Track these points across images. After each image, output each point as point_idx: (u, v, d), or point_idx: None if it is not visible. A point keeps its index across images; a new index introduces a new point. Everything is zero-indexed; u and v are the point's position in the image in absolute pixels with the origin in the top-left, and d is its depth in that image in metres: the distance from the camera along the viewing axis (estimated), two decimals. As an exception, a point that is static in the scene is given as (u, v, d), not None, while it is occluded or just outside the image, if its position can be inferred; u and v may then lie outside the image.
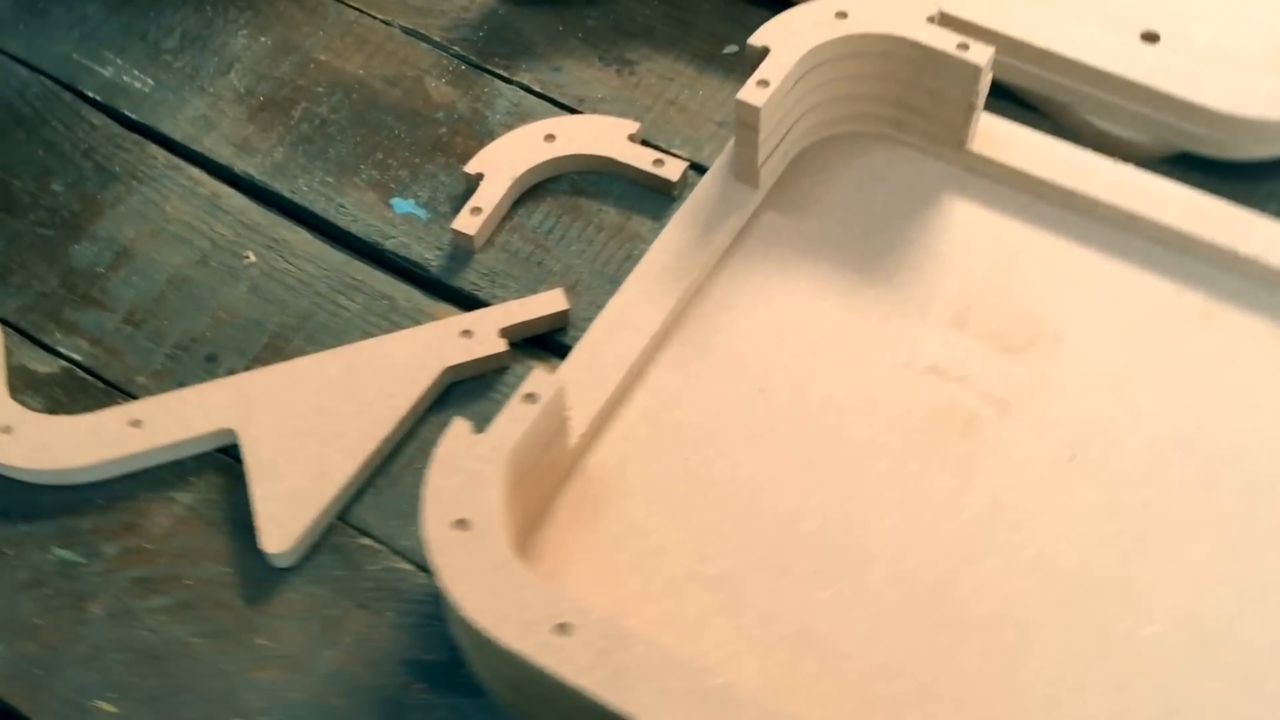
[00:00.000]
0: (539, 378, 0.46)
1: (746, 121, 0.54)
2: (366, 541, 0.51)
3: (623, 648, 0.41)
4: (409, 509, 0.51)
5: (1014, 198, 0.58)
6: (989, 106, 0.61)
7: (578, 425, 0.51)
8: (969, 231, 0.57)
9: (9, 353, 0.56)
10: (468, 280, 0.58)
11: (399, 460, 0.53)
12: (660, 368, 0.54)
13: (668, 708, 0.39)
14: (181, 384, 0.55)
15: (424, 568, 0.50)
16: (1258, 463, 0.51)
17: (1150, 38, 0.62)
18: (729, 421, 0.52)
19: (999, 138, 0.58)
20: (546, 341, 0.56)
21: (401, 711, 0.47)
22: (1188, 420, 0.52)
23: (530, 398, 0.46)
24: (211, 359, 0.56)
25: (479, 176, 0.60)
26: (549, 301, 0.56)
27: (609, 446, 0.52)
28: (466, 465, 0.44)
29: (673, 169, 0.60)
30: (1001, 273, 0.56)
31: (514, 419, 0.45)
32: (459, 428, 0.45)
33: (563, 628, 0.41)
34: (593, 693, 0.40)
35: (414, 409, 0.53)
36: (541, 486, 0.49)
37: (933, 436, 0.52)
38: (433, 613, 0.49)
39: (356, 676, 0.48)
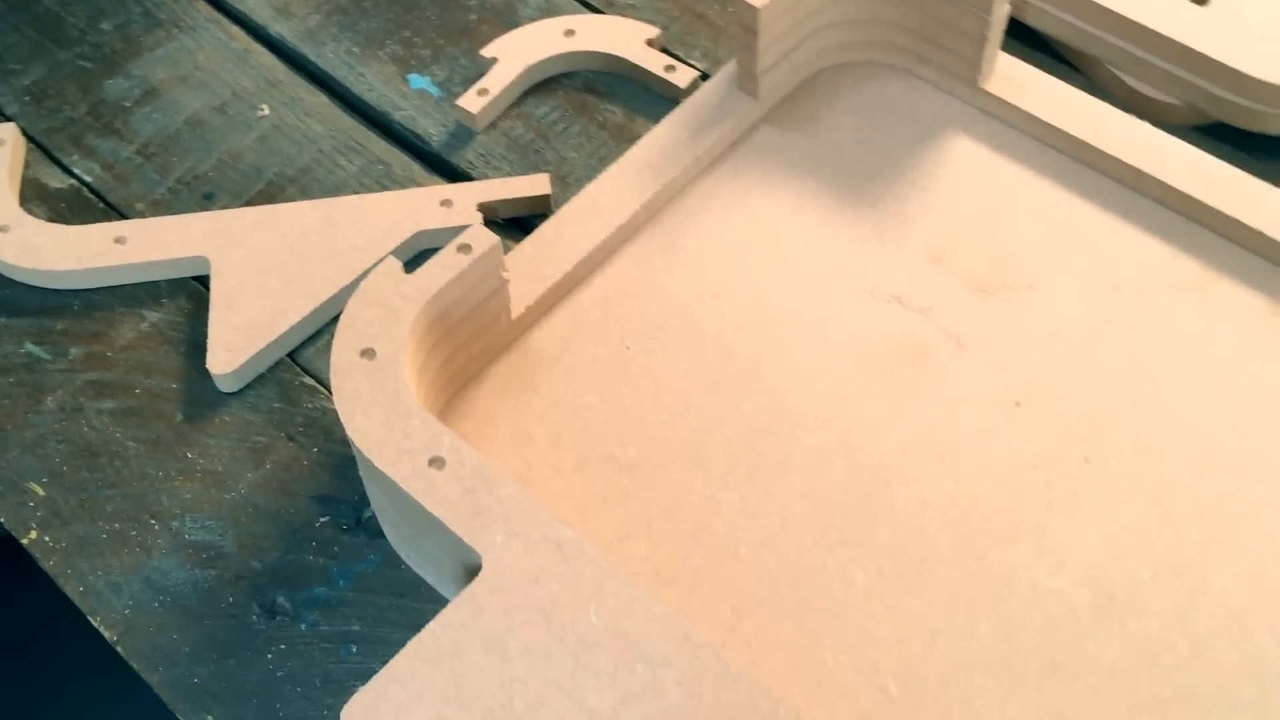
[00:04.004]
0: (476, 232, 0.47)
1: (746, 24, 0.53)
2: (309, 381, 0.52)
3: (489, 490, 0.41)
4: (357, 358, 0.53)
5: (1021, 142, 0.56)
6: (1019, 56, 0.59)
7: (525, 299, 0.51)
8: (967, 169, 0.56)
9: (27, 166, 0.59)
10: (464, 158, 0.59)
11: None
12: (623, 258, 0.54)
13: (517, 550, 0.40)
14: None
15: (357, 413, 0.51)
16: (1212, 440, 0.48)
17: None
18: (678, 320, 0.52)
19: (1016, 80, 0.57)
20: (526, 225, 0.57)
21: (303, 539, 0.48)
22: (1149, 386, 0.50)
23: (463, 249, 0.46)
24: (208, 197, 0.58)
25: (493, 60, 0.61)
26: (532, 184, 0.57)
27: (554, 326, 0.52)
28: (386, 300, 0.45)
29: (683, 76, 0.60)
30: (991, 214, 0.54)
31: (443, 266, 0.46)
32: (390, 266, 0.46)
33: (436, 461, 0.41)
34: (450, 525, 0.40)
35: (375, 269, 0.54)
36: (474, 348, 0.50)
37: (879, 363, 0.51)
38: (353, 456, 0.50)
39: (270, 501, 0.49)
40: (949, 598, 0.45)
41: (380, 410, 0.43)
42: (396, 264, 0.46)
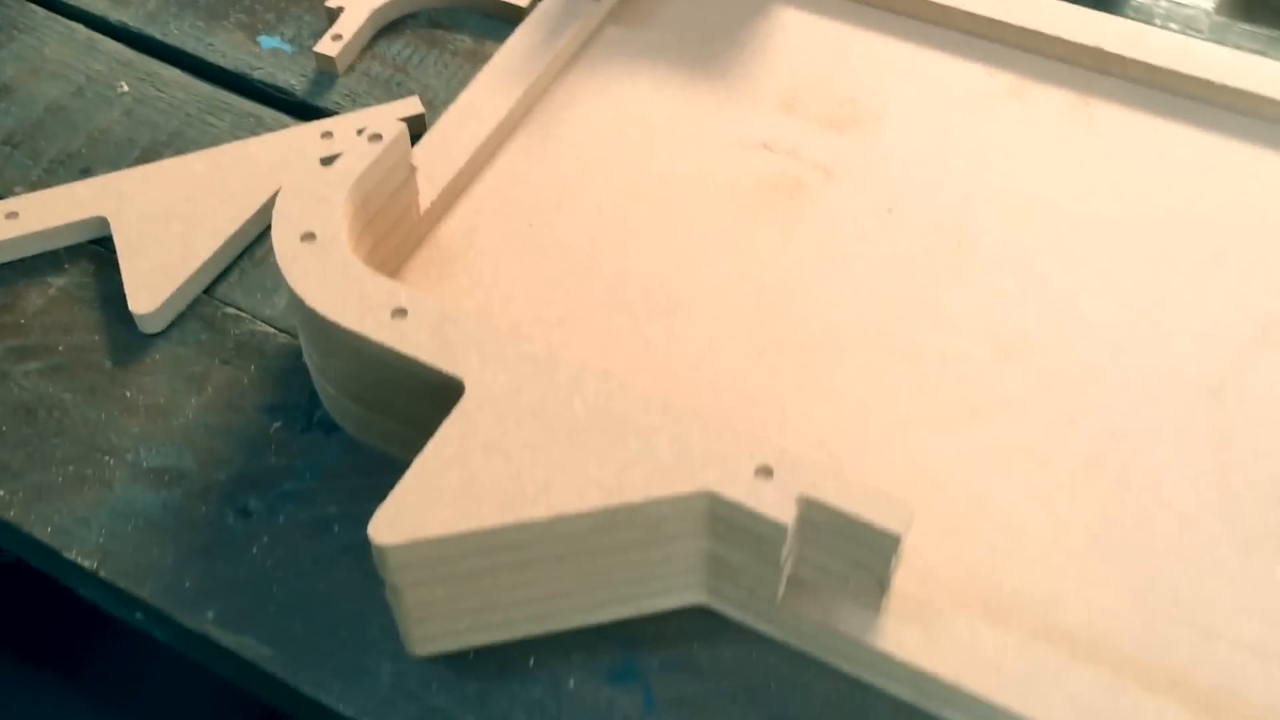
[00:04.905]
0: (383, 122, 0.50)
1: (582, -73, 0.58)
2: (232, 311, 0.54)
3: (455, 325, 0.44)
4: (273, 285, 0.55)
5: (837, 4, 0.63)
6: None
7: (427, 195, 0.54)
8: (798, 35, 0.62)
9: (-111, 171, 0.58)
10: (330, 100, 0.62)
11: (263, 245, 0.56)
12: (507, 154, 0.57)
13: (494, 370, 0.43)
14: (56, 191, 0.58)
15: (285, 330, 0.53)
16: (1057, 209, 0.55)
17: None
18: (571, 195, 0.56)
19: (823, -45, 0.63)
20: (406, 147, 0.60)
21: (261, 447, 0.50)
22: (997, 178, 0.56)
23: (374, 138, 0.49)
24: (86, 171, 0.59)
25: (339, 10, 0.63)
26: (406, 106, 0.60)
27: (458, 219, 0.55)
28: (313, 190, 0.47)
29: (523, -4, 0.64)
30: (827, 65, 0.61)
31: (359, 155, 0.49)
32: (309, 164, 0.48)
33: (400, 312, 0.44)
34: (427, 360, 0.43)
35: (275, 198, 0.56)
36: (391, 242, 0.52)
37: (761, 199, 0.56)
38: (293, 366, 0.52)
39: (219, 419, 0.50)
40: (869, 375, 0.50)
41: (333, 280, 0.45)
42: (313, 161, 0.48)
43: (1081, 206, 0.55)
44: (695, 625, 0.45)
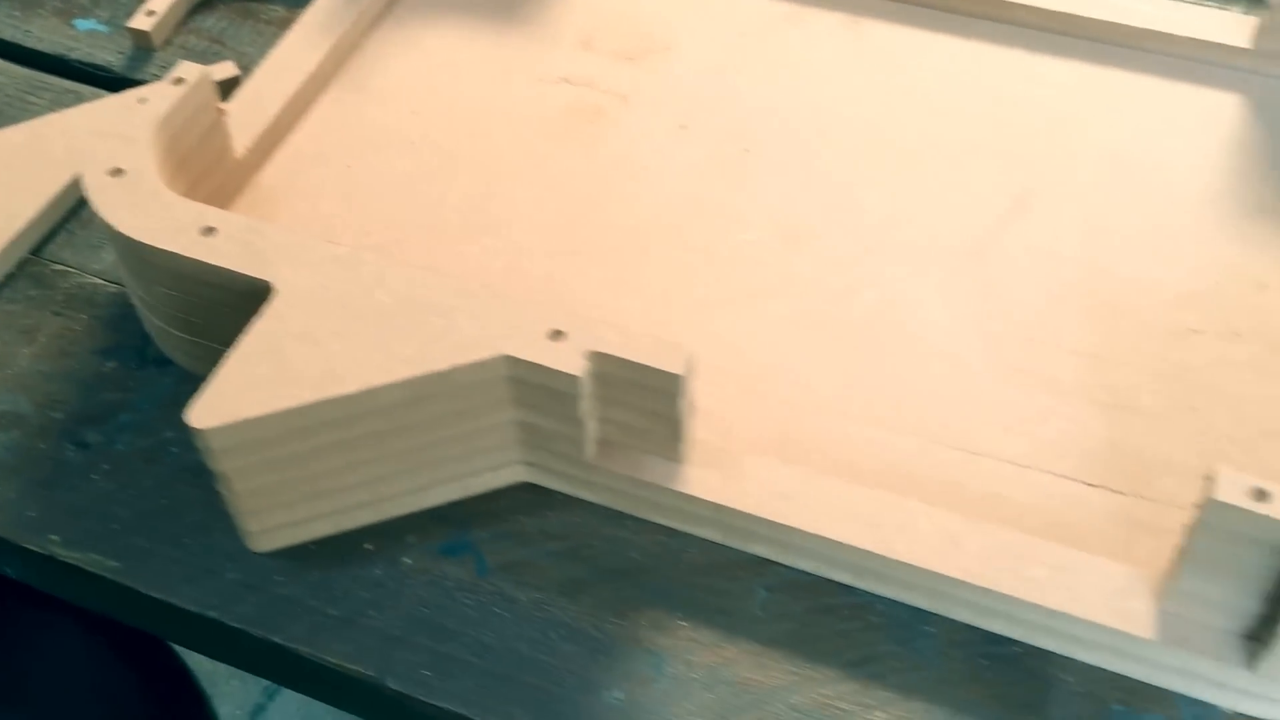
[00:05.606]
0: (187, 67, 0.52)
1: (374, -112, 0.62)
2: (60, 268, 0.56)
3: (261, 236, 0.47)
4: (100, 242, 0.57)
5: (627, -48, 0.68)
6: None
7: (243, 142, 0.57)
8: (590, -19, 0.66)
9: None
10: (149, 74, 0.64)
11: (89, 207, 0.58)
12: (322, 106, 0.60)
13: (302, 272, 0.45)
14: (-123, 174, 0.59)
15: (115, 281, 0.55)
16: (832, 114, 0.60)
17: None
18: (386, 137, 0.59)
19: (608, -93, 0.68)
20: (224, 109, 0.62)
21: (96, 386, 0.52)
22: (778, 92, 0.61)
23: (178, 81, 0.52)
24: (-94, 154, 0.60)
25: (153, -14, 0.66)
26: (220, 70, 0.62)
27: (277, 165, 0.58)
28: (119, 131, 0.50)
29: (330, -35, 0.67)
30: (619, 5, 0.65)
31: (162, 97, 0.51)
32: (116, 111, 0.51)
33: (209, 230, 0.47)
34: (237, 268, 0.45)
35: (97, 159, 0.58)
36: (208, 187, 0.54)
37: (564, 126, 0.60)
38: (124, 313, 0.54)
39: (54, 364, 0.52)
40: (670, 268, 0.54)
41: (143, 207, 0.47)
42: (119, 106, 0.51)
43: (853, 111, 0.60)
44: (521, 501, 0.48)
